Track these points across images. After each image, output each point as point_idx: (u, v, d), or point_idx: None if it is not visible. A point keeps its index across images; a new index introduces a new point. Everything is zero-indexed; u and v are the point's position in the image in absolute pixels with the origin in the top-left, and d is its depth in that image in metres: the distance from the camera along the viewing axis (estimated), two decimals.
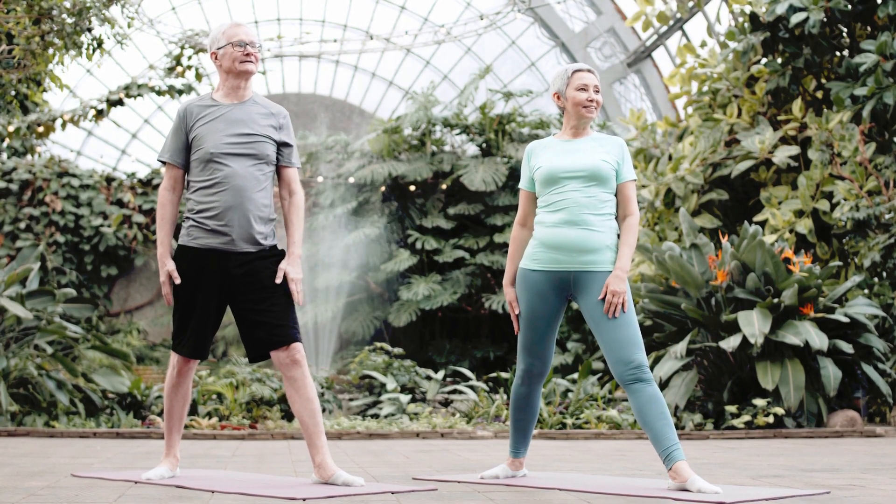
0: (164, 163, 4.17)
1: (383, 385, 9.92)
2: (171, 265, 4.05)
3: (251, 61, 4.12)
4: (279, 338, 3.97)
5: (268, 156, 4.10)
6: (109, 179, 16.08)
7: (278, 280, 3.98)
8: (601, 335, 3.90)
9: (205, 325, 4.07)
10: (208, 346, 4.16)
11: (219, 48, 4.14)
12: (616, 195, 4.06)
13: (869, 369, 8.76)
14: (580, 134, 4.11)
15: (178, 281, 4.03)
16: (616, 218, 4.06)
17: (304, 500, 3.42)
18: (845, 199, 10.75)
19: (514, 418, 4.25)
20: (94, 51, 8.43)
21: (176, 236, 15.80)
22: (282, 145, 4.16)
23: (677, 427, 8.49)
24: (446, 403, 10.05)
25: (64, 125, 13.53)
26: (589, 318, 3.96)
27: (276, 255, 4.10)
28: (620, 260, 3.93)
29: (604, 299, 3.88)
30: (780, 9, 11.31)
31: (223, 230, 4.00)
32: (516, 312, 4.12)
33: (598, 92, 4.09)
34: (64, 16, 8.13)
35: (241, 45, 4.10)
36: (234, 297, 4.05)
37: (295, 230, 4.12)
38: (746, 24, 12.18)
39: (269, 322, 3.97)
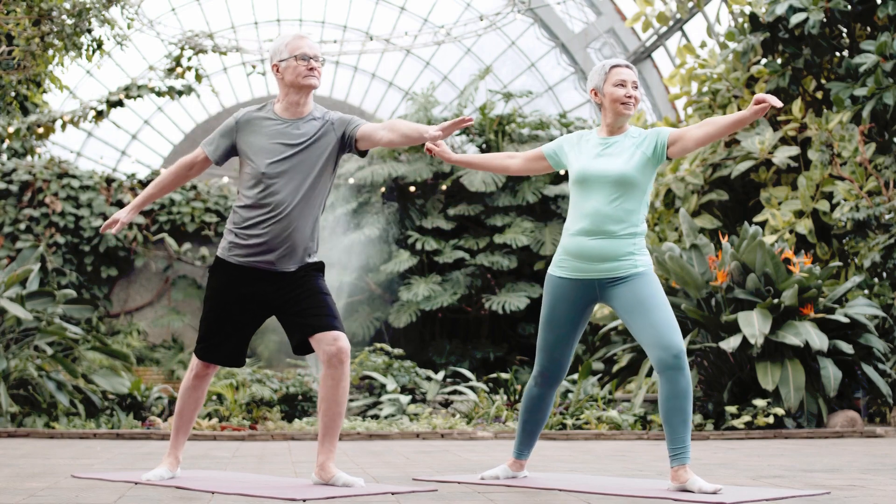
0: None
1: (383, 386, 9.92)
2: (125, 216, 4.07)
3: (314, 76, 3.99)
4: (322, 325, 3.88)
5: (323, 170, 3.99)
6: (109, 180, 16.08)
7: (435, 132, 3.71)
8: (640, 320, 3.81)
9: (235, 336, 4.04)
10: (242, 354, 4.10)
11: (281, 61, 4.01)
12: (675, 146, 3.89)
13: (869, 370, 8.76)
14: (616, 132, 4.00)
15: (114, 230, 4.07)
16: (645, 221, 3.99)
17: (304, 500, 3.42)
18: (845, 200, 10.75)
19: (523, 419, 4.22)
20: (93, 52, 8.44)
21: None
22: (345, 129, 4.00)
23: None
24: (446, 404, 10.05)
25: (64, 126, 13.54)
26: (624, 314, 3.88)
27: (316, 267, 4.04)
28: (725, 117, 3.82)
29: (633, 291, 3.83)
30: (780, 9, 11.31)
31: (265, 255, 3.95)
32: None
33: (636, 88, 3.98)
34: (64, 17, 8.14)
35: (305, 59, 3.98)
36: (273, 308, 4.00)
37: (410, 124, 3.86)
38: (746, 25, 12.18)
39: (310, 312, 3.91)
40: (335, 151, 4.03)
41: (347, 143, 4.03)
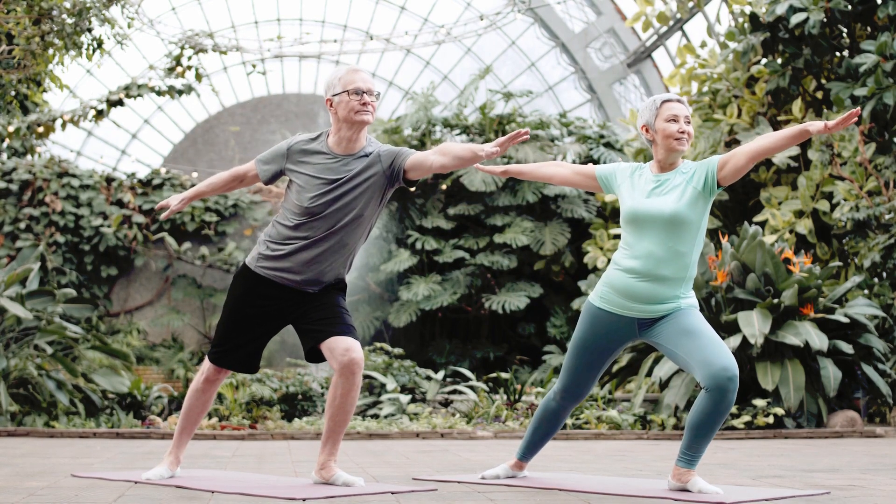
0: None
1: (383, 385, 9.92)
2: (175, 202, 4.05)
3: (368, 111, 3.94)
4: (336, 329, 3.87)
5: (368, 209, 3.94)
6: (109, 180, 16.08)
7: (492, 149, 3.63)
8: (690, 343, 3.72)
9: (251, 343, 4.03)
10: (256, 361, 4.09)
11: (335, 95, 3.95)
12: (726, 169, 3.79)
13: (869, 370, 8.76)
14: (668, 168, 3.91)
15: (169, 210, 4.03)
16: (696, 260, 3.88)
17: (304, 500, 3.42)
18: (845, 200, 10.75)
19: (535, 426, 4.20)
20: (93, 51, 8.44)
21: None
22: (392, 161, 3.93)
23: (677, 427, 8.50)
24: (446, 404, 10.05)
25: (64, 125, 13.54)
26: (669, 343, 3.80)
27: (338, 287, 4.03)
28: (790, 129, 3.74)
29: (677, 323, 3.76)
30: (780, 9, 11.31)
31: (292, 277, 3.94)
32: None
33: (688, 123, 3.88)
34: (64, 16, 8.14)
35: (359, 94, 3.92)
36: (291, 318, 4.01)
37: (462, 146, 3.80)
38: (746, 25, 12.18)
39: (325, 320, 3.90)
40: (382, 186, 3.96)
41: (396, 176, 3.94)
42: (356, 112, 3.92)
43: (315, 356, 3.99)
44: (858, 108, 3.76)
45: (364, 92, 3.93)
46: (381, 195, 3.98)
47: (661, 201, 3.81)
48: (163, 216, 4.18)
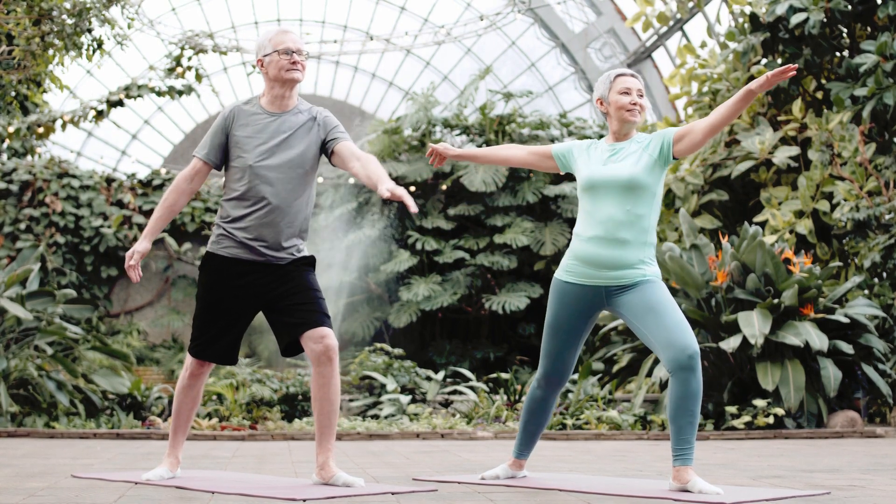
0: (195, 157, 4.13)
1: (383, 386, 9.92)
2: (142, 247, 4.02)
3: (298, 69, 4.05)
4: (311, 321, 3.91)
5: (309, 163, 4.03)
6: (109, 180, 16.08)
7: (385, 194, 3.69)
8: (652, 323, 3.80)
9: (224, 331, 4.04)
10: (235, 352, 4.11)
11: (265, 55, 4.07)
12: (683, 142, 3.90)
13: (869, 370, 8.76)
14: (623, 139, 4.04)
15: (130, 261, 3.98)
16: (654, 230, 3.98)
17: (304, 500, 3.42)
18: (845, 200, 10.75)
19: (524, 420, 4.23)
20: (94, 52, 8.43)
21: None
22: (326, 135, 4.07)
23: None
24: (446, 404, 10.05)
25: (64, 126, 13.54)
26: (634, 319, 3.88)
27: (307, 262, 4.07)
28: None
29: (642, 297, 3.83)
30: (780, 9, 11.32)
31: (254, 245, 3.98)
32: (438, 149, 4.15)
33: (641, 96, 4.04)
34: (64, 17, 8.14)
35: (288, 53, 4.03)
36: (262, 303, 4.02)
37: (379, 171, 3.86)
38: (746, 25, 12.18)
39: (300, 308, 3.93)
40: (318, 149, 4.09)
41: (325, 150, 4.08)
42: (287, 70, 4.03)
43: (291, 350, 4.03)
44: (796, 64, 3.86)
45: (294, 52, 4.04)
46: (318, 158, 4.08)
47: (617, 167, 3.94)
48: (132, 262, 4.03)
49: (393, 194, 3.68)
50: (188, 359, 4.13)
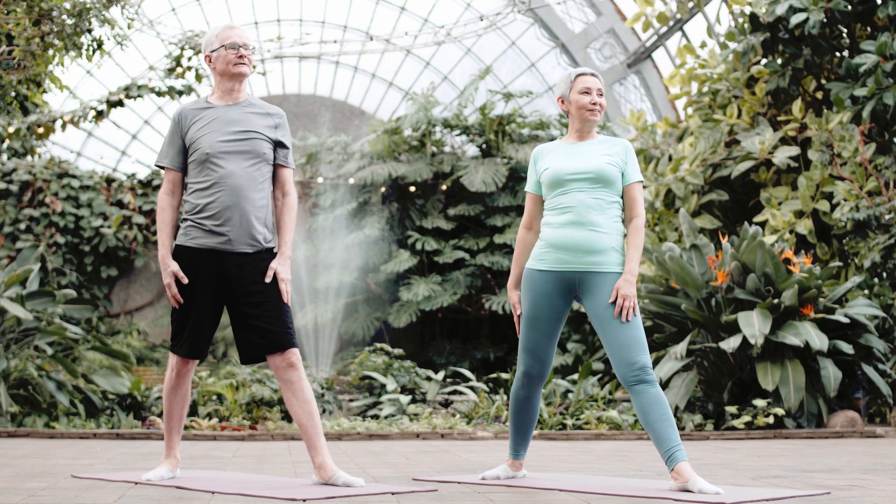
0: (162, 167, 4.19)
1: (383, 386, 9.92)
2: (174, 265, 4.05)
3: (244, 63, 4.14)
4: (274, 343, 3.98)
5: (264, 154, 4.11)
6: (109, 180, 16.09)
7: (268, 279, 3.99)
8: (606, 336, 3.90)
9: (202, 325, 4.07)
10: (206, 346, 4.16)
11: (212, 51, 4.17)
12: (622, 197, 4.07)
13: (869, 370, 8.76)
14: (585, 137, 4.14)
15: (185, 281, 4.02)
16: (622, 221, 4.07)
17: (304, 500, 3.42)
18: (845, 200, 10.75)
19: (513, 420, 4.26)
20: (93, 52, 8.43)
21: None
22: (277, 145, 4.17)
23: (678, 428, 8.49)
24: (446, 404, 10.05)
25: (64, 126, 13.53)
26: (594, 319, 3.97)
27: (274, 256, 4.12)
28: (629, 263, 3.92)
29: (612, 302, 3.89)
30: (780, 9, 11.32)
31: (221, 230, 4.02)
32: (518, 313, 4.14)
33: (601, 95, 4.12)
34: (64, 17, 8.14)
35: (234, 48, 4.13)
36: (231, 297, 4.06)
37: (287, 231, 4.13)
38: (746, 25, 12.18)
39: (264, 327, 3.98)
40: (271, 148, 4.15)
41: (274, 153, 4.17)
42: (234, 64, 4.13)
43: (252, 361, 4.08)
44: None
45: (240, 46, 4.14)
46: (270, 151, 4.14)
47: (583, 160, 4.05)
48: (175, 289, 4.09)
49: (276, 276, 3.99)
50: (172, 358, 4.16)
